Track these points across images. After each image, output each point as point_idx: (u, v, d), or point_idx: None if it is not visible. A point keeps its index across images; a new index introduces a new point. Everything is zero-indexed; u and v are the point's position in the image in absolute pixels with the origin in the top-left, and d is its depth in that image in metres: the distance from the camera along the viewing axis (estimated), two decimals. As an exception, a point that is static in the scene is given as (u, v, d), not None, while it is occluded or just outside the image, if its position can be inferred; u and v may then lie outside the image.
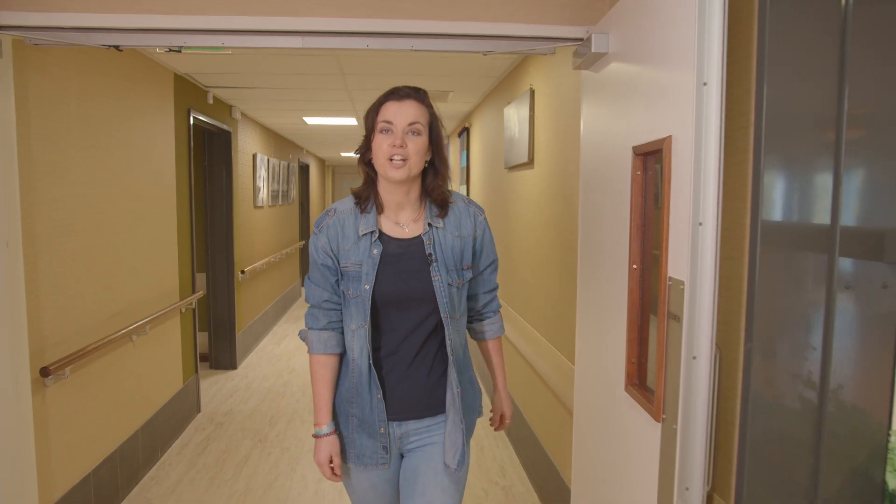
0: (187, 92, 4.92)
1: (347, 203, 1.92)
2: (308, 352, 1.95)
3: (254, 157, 7.21)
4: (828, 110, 1.48)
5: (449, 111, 6.76)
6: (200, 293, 5.14)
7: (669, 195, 1.63)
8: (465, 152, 7.15)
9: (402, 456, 2.00)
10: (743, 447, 1.61)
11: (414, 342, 1.89)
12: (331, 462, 1.94)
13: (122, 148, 3.73)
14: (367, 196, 1.90)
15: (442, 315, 1.87)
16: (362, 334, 1.86)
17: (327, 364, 1.93)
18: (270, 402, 5.50)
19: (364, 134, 1.90)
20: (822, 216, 1.52)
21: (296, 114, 7.07)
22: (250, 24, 2.43)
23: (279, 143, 8.90)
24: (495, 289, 2.11)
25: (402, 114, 1.81)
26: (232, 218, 6.20)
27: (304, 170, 11.78)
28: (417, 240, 1.89)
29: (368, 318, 1.85)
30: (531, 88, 3.83)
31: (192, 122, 4.99)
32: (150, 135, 4.16)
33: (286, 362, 6.81)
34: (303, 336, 1.97)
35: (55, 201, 2.97)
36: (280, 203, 8.91)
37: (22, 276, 2.54)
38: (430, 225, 1.89)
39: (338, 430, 1.96)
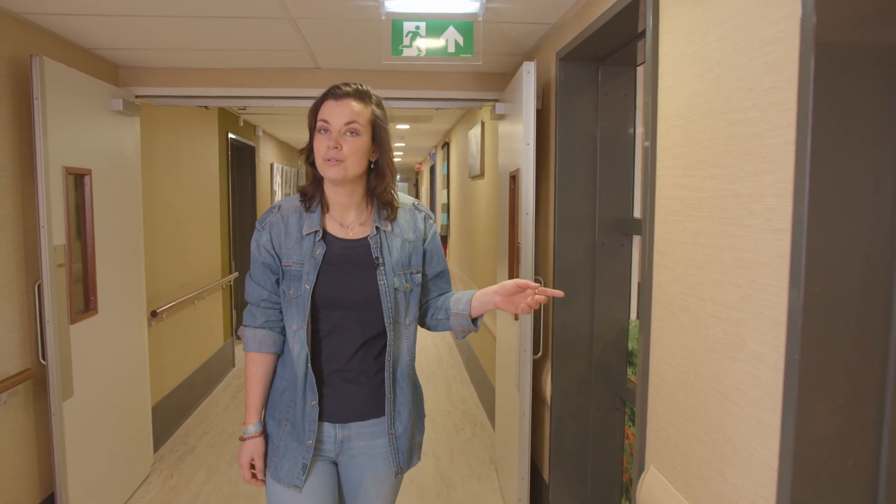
0: (226, 118, 6.41)
1: (293, 201, 1.83)
2: (243, 349, 1.88)
3: (271, 166, 8.70)
4: (587, 161, 2.97)
5: (434, 128, 8.25)
6: (236, 273, 6.64)
7: (518, 197, 3.11)
8: (446, 162, 8.64)
9: (336, 465, 1.92)
10: (555, 330, 3.10)
11: (354, 346, 1.81)
12: (252, 466, 1.86)
13: (189, 164, 5.22)
14: (313, 195, 1.82)
15: (385, 320, 1.80)
16: (302, 336, 1.77)
17: (260, 363, 1.85)
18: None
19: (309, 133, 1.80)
20: (589, 209, 3.00)
21: (305, 130, 8.56)
22: (285, 93, 3.92)
23: (290, 152, 10.40)
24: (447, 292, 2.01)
25: (338, 113, 1.71)
26: (256, 216, 7.70)
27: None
28: (363, 242, 1.81)
29: (308, 320, 1.76)
30: (482, 122, 5.32)
31: (229, 141, 6.48)
32: (203, 153, 5.66)
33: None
34: (240, 334, 2.24)
35: (154, 203, 4.46)
36: (291, 204, 10.43)
37: (142, 253, 4.02)
38: (377, 228, 1.82)
39: (268, 436, 1.88)
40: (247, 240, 7.69)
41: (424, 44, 2.59)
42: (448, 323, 1.93)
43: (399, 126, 8.19)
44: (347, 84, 1.78)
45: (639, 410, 2.06)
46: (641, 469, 2.03)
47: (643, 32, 2.28)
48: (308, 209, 1.82)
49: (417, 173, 20.32)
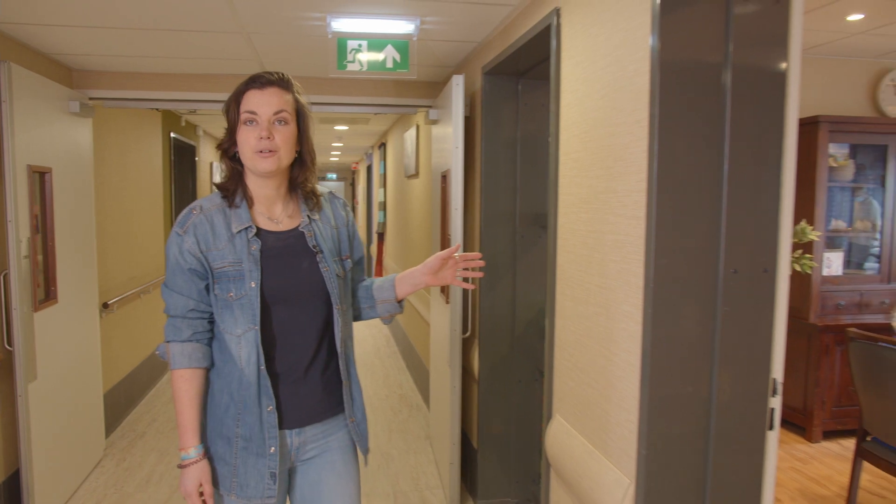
0: (169, 118, 6.59)
1: (213, 199, 1.73)
2: (170, 368, 1.72)
3: (211, 165, 8.86)
4: (509, 162, 3.39)
5: (371, 130, 8.58)
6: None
7: (449, 194, 3.50)
8: (382, 162, 8.99)
9: (291, 472, 1.85)
10: (481, 312, 3.51)
11: (308, 341, 1.76)
12: (201, 492, 1.71)
13: (134, 162, 5.42)
14: (235, 190, 1.73)
15: (334, 307, 1.77)
16: (251, 338, 1.68)
17: (192, 379, 1.71)
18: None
19: (226, 127, 1.72)
20: (511, 205, 3.42)
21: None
22: (224, 97, 4.21)
23: (228, 151, 10.54)
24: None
25: (265, 102, 1.66)
26: (196, 213, 7.87)
27: (247, 173, 13.36)
28: (296, 232, 1.77)
29: (259, 320, 1.67)
30: (417, 125, 5.70)
31: (171, 140, 6.66)
32: (148, 152, 5.85)
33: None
34: (161, 351, 1.74)
35: (104, 200, 4.66)
36: (229, 202, 10.56)
37: (95, 248, 4.24)
38: (308, 217, 1.80)
39: (217, 458, 1.74)
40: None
41: (366, 59, 2.95)
42: (374, 311, 1.98)
43: (337, 127, 8.49)
44: (270, 73, 1.71)
45: (546, 370, 2.48)
46: (549, 418, 2.45)
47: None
48: (232, 205, 1.73)
49: (354, 173, 20.55)
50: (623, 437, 1.84)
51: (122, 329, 5.08)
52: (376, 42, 2.95)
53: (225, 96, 4.07)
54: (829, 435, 4.65)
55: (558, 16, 2.33)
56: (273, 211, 1.78)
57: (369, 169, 11.80)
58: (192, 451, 1.72)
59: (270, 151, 1.67)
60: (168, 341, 1.73)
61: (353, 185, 19.10)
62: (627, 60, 1.81)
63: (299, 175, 1.80)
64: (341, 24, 2.86)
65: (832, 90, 4.91)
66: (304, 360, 1.77)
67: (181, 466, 1.72)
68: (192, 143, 7.63)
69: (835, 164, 4.74)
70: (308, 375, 1.77)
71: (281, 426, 1.75)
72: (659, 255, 1.65)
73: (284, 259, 1.75)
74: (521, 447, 3.56)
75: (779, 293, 1.72)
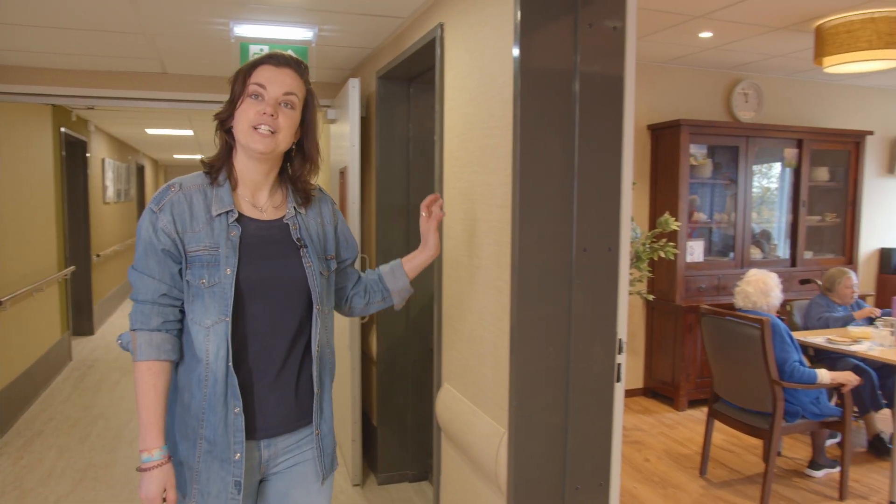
0: (59, 113, 6.45)
1: (195, 178, 1.62)
2: (134, 359, 1.56)
3: (102, 161, 8.65)
4: (402, 159, 3.67)
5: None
6: (73, 267, 6.70)
7: (347, 189, 3.75)
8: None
9: (260, 482, 1.71)
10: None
11: (282, 342, 1.63)
12: (164, 498, 1.56)
13: (24, 157, 5.32)
14: (221, 168, 1.63)
15: (315, 306, 1.66)
16: (221, 330, 1.55)
17: (160, 373, 1.57)
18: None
19: (229, 97, 1.61)
20: (404, 199, 3.71)
21: (139, 126, 8.61)
22: (132, 94, 4.28)
23: (121, 148, 10.28)
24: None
25: (278, 80, 1.58)
26: (88, 211, 7.69)
27: (140, 170, 13.01)
28: (279, 223, 1.67)
29: (231, 311, 1.55)
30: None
31: (62, 136, 6.52)
32: (38, 147, 5.74)
33: (136, 328, 8.36)
34: (125, 342, 1.62)
35: (-5, 196, 4.59)
36: (122, 200, 10.30)
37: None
38: (295, 209, 1.70)
39: (178, 461, 1.62)
40: (80, 234, 7.67)
41: (267, 63, 3.15)
42: (388, 301, 2.01)
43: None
44: (286, 54, 1.64)
45: (435, 344, 2.79)
46: (438, 387, 2.76)
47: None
48: (215, 183, 1.62)
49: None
50: (498, 394, 2.16)
51: (16, 327, 5.00)
52: (277, 47, 3.15)
53: (126, 93, 4.13)
54: (694, 403, 5.22)
55: (442, 30, 2.63)
56: (258, 197, 1.67)
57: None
58: (157, 452, 1.55)
59: (270, 132, 1.58)
60: (134, 329, 1.57)
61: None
62: (497, 72, 2.13)
63: (300, 169, 1.72)
64: (244, 30, 3.05)
65: (692, 97, 5.50)
66: (276, 363, 1.63)
67: (142, 470, 1.55)
68: (83, 138, 7.46)
69: (695, 163, 5.32)
70: (281, 380, 1.64)
71: (250, 436, 1.62)
72: (523, 238, 1.97)
73: (265, 249, 1.63)
74: (417, 423, 3.86)
75: (621, 267, 2.09)
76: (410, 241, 3.72)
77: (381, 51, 3.61)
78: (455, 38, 2.52)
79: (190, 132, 9.00)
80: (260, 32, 3.11)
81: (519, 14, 1.91)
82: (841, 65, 4.11)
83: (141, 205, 13.14)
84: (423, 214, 2.04)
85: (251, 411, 1.61)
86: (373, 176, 3.77)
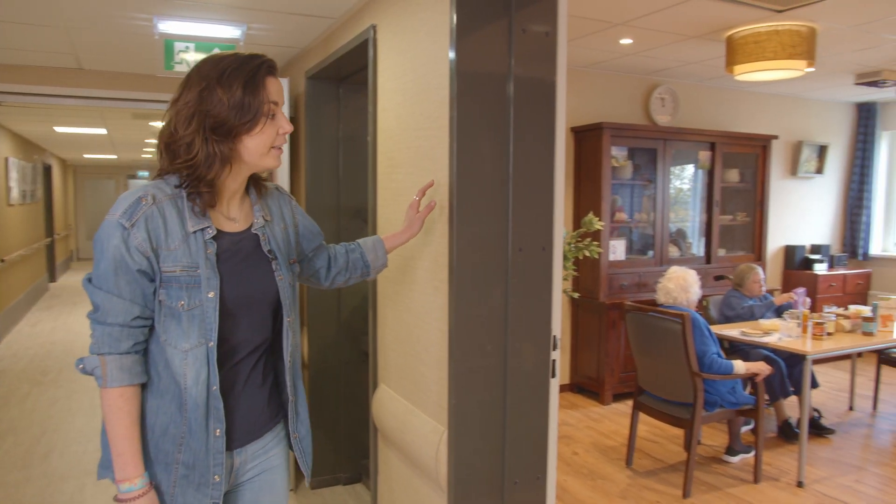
0: (-42, 110, 6.07)
1: (162, 188, 1.49)
2: (102, 386, 1.46)
3: (6, 160, 8.18)
4: (332, 161, 3.65)
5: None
6: (-25, 273, 6.30)
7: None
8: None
9: (227, 494, 1.65)
10: (309, 301, 3.73)
11: (252, 354, 1.61)
12: None
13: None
14: (212, 181, 1.50)
15: (286, 318, 1.64)
16: (201, 355, 1.49)
17: (133, 397, 1.48)
18: (39, 362, 6.77)
19: (232, 108, 1.44)
20: (334, 200, 3.69)
21: (47, 124, 8.19)
22: (46, 90, 4.08)
23: (27, 146, 9.74)
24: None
25: (280, 93, 1.54)
26: (-8, 214, 7.27)
27: (47, 170, 12.36)
28: (247, 234, 1.61)
29: (216, 335, 1.50)
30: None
31: (-37, 134, 6.14)
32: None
33: (46, 337, 7.96)
34: (89, 367, 1.48)
35: None
36: (28, 201, 9.76)
37: None
38: (264, 219, 1.64)
39: (155, 487, 1.52)
40: (-17, 239, 7.23)
41: (194, 61, 3.06)
42: (367, 276, 2.07)
43: (153, 123, 8.21)
44: (266, 56, 1.53)
45: (371, 345, 2.78)
46: (374, 387, 2.76)
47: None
48: (198, 195, 1.50)
49: (169, 171, 19.56)
50: (437, 393, 2.19)
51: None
52: (204, 45, 3.08)
53: (36, 88, 3.93)
54: (618, 397, 5.40)
55: (375, 31, 2.64)
56: (231, 207, 1.60)
57: (187, 167, 11.39)
58: (139, 481, 1.47)
59: (281, 148, 1.57)
60: (101, 354, 1.45)
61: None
62: (432, 74, 2.15)
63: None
64: (168, 26, 2.96)
65: (613, 101, 5.69)
66: (248, 374, 1.61)
67: (122, 500, 1.46)
68: (-15, 137, 7.04)
69: (617, 165, 5.50)
70: (252, 389, 1.63)
71: (226, 448, 1.57)
72: (460, 238, 2.01)
73: (240, 265, 1.57)
74: (350, 426, 3.84)
75: (554, 266, 2.15)
76: (341, 241, 3.68)
77: (311, 51, 3.58)
78: (388, 39, 2.53)
79: (103, 131, 8.63)
80: (185, 29, 3.02)
81: (455, 18, 1.94)
82: (750, 73, 4.35)
83: (49, 207, 12.50)
84: (416, 198, 2.12)
85: (227, 424, 1.56)
86: (302, 177, 3.73)
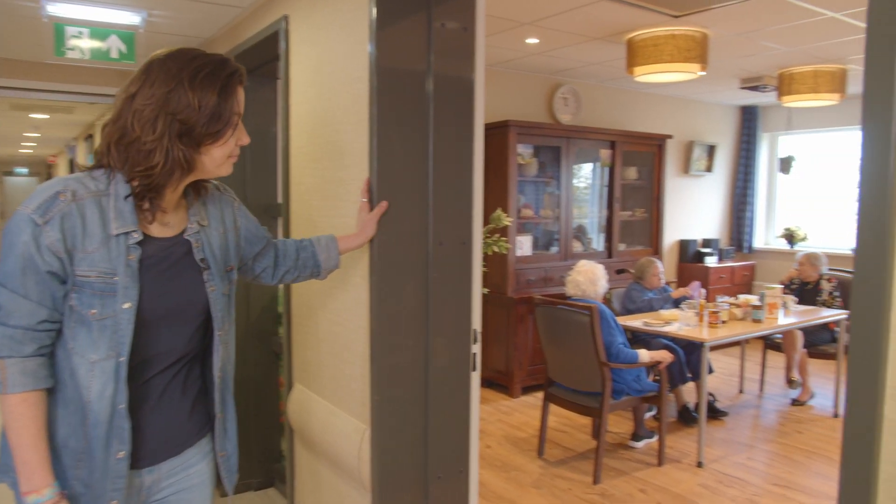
0: None
1: (86, 183, 1.36)
2: (2, 391, 1.33)
3: None
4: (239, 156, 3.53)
5: (76, 120, 7.90)
6: None
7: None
8: (91, 155, 8.33)
9: None
10: (218, 301, 3.59)
11: (172, 367, 1.50)
12: None
13: None
14: (163, 187, 1.40)
15: (217, 331, 1.53)
16: (110, 369, 1.37)
17: (38, 403, 1.36)
18: None
19: (204, 115, 1.36)
20: (241, 197, 3.57)
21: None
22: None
23: None
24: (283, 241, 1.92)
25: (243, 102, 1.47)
26: None
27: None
28: (179, 240, 1.48)
29: (128, 349, 1.38)
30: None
31: None
32: None
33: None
34: None
35: None
36: None
37: None
38: (199, 224, 1.52)
39: None
40: None
41: (88, 47, 2.88)
42: (316, 276, 1.97)
43: (34, 115, 7.69)
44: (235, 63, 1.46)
45: (285, 345, 2.71)
46: (290, 387, 2.69)
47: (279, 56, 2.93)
48: (150, 205, 1.40)
49: (51, 167, 18.35)
50: (358, 391, 2.16)
51: None
52: (99, 31, 2.89)
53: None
54: (527, 390, 5.52)
55: (287, 22, 2.56)
56: (167, 211, 1.47)
57: (72, 163, 10.77)
58: (48, 491, 1.35)
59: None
60: (1, 357, 1.33)
61: (49, 179, 17.07)
62: (350, 67, 2.12)
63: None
64: (58, 9, 2.76)
65: (519, 99, 5.80)
66: (158, 388, 1.49)
67: None
68: None
69: (522, 162, 5.62)
70: (164, 404, 1.50)
71: (133, 466, 1.45)
72: (381, 233, 1.98)
73: (166, 274, 1.45)
74: (260, 429, 3.73)
75: (474, 260, 2.16)
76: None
77: (216, 41, 3.44)
78: (301, 31, 2.47)
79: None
80: (78, 13, 2.83)
81: (374, 12, 1.91)
82: (648, 74, 4.55)
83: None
84: (364, 200, 1.99)
85: (136, 442, 1.43)
86: (208, 172, 3.58)
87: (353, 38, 2.08)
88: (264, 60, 3.23)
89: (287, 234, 2.64)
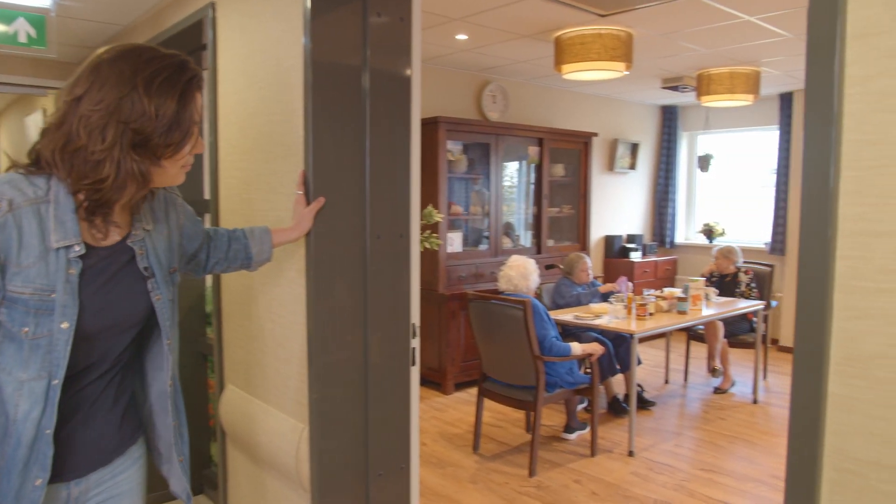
0: None
1: (25, 189, 1.24)
2: None
3: None
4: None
5: (-23, 113, 7.42)
6: None
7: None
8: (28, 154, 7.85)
9: None
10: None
11: (103, 375, 1.40)
12: None
13: None
14: (114, 201, 1.29)
15: (165, 341, 1.44)
16: (40, 390, 1.27)
17: None
18: None
19: (163, 125, 1.25)
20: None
21: None
22: None
23: None
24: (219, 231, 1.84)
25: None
26: None
27: None
28: (121, 247, 1.36)
29: (62, 371, 1.28)
30: (44, 108, 5.18)
31: None
32: None
33: None
34: None
35: None
36: None
37: None
38: (144, 230, 1.40)
39: None
40: None
41: (-8, 32, 2.69)
42: (246, 267, 1.89)
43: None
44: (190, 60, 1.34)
45: (216, 344, 2.61)
46: (221, 389, 2.59)
47: (206, 45, 2.82)
48: (90, 209, 1.28)
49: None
50: (295, 389, 2.09)
51: None
52: (5, 13, 2.70)
53: None
54: (460, 386, 5.53)
55: (214, 9, 2.46)
56: (111, 217, 1.36)
57: (-24, 160, 10.10)
58: None
59: None
60: None
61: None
62: (283, 56, 2.05)
63: None
64: (-42, -11, 2.57)
65: (448, 96, 5.81)
66: (91, 397, 1.39)
67: None
68: None
69: (452, 159, 5.62)
70: (96, 414, 1.41)
71: (57, 480, 1.34)
72: (317, 226, 1.93)
73: (106, 286, 1.34)
74: (189, 435, 3.58)
75: (412, 253, 2.14)
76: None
77: (136, 28, 3.28)
78: (230, 18, 2.38)
79: None
80: (-18, -5, 2.64)
81: (309, 2, 1.85)
82: (576, 72, 4.63)
83: None
84: (299, 193, 1.91)
85: (61, 456, 1.33)
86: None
87: (286, 26, 2.02)
88: (189, 50, 3.10)
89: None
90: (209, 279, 2.61)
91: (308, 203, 1.92)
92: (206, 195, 3.42)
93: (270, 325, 2.22)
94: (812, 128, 0.98)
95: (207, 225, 2.63)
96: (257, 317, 2.30)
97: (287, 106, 2.03)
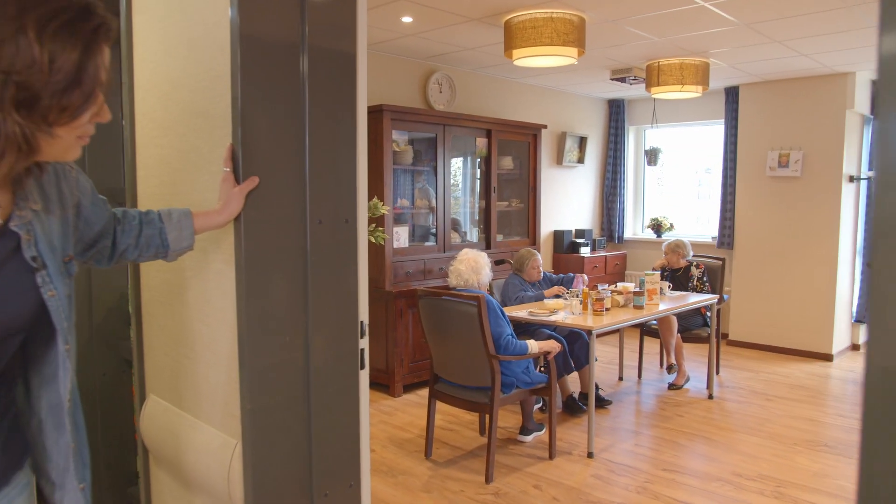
0: None
1: None
2: None
3: None
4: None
5: None
6: None
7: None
8: None
9: None
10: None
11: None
12: None
13: None
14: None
15: (62, 346, 1.22)
16: None
17: None
18: None
19: (58, 80, 0.99)
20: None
21: None
22: None
23: None
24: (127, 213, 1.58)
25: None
26: None
27: None
28: (3, 232, 1.12)
29: None
30: None
31: None
32: None
33: None
34: None
35: None
36: None
37: None
38: (31, 210, 1.16)
39: None
40: None
41: None
42: (162, 257, 1.63)
43: None
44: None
45: (136, 349, 2.30)
46: (143, 400, 2.28)
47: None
48: None
49: None
50: (225, 399, 1.81)
51: None
52: None
53: None
54: (409, 388, 5.28)
55: (126, -36, 2.15)
56: None
57: None
58: None
59: None
60: None
61: None
62: (206, 12, 1.77)
63: None
64: None
65: (393, 84, 5.55)
66: None
67: None
68: None
69: (398, 149, 5.37)
70: None
71: None
72: (248, 208, 1.66)
73: None
74: (110, 450, 3.23)
75: (360, 241, 1.88)
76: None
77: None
78: (145, -25, 2.07)
79: None
80: None
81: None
82: (527, 57, 4.44)
83: None
84: (227, 170, 1.62)
85: None
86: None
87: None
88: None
89: (133, 218, 2.22)
90: (131, 276, 2.30)
91: (238, 182, 1.65)
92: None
93: (196, 324, 1.93)
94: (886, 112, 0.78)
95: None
96: (181, 317, 2.00)
97: (211, 71, 1.75)
